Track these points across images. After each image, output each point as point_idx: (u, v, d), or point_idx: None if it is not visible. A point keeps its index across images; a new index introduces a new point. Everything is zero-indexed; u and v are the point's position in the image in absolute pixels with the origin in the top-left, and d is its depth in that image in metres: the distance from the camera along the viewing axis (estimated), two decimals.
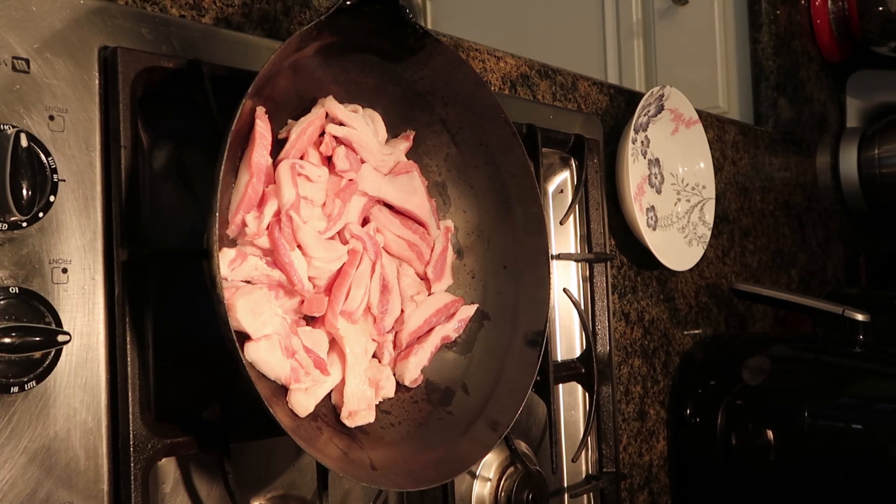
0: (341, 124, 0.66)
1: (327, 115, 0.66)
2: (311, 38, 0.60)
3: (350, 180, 0.67)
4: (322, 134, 0.66)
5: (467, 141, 0.73)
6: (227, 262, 0.58)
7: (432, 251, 0.73)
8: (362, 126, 0.68)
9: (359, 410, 0.64)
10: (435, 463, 0.64)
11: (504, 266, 0.75)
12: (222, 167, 0.52)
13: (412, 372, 0.69)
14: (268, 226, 0.60)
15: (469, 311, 0.73)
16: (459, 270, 0.76)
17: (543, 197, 0.97)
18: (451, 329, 0.72)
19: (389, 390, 0.68)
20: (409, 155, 0.73)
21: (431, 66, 0.69)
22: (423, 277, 0.73)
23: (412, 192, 0.71)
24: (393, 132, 0.72)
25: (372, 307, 0.67)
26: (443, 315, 0.72)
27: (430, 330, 0.71)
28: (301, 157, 0.65)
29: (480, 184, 0.75)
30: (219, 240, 0.53)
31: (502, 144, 0.72)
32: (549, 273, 0.72)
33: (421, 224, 0.72)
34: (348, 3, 0.60)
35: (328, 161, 0.66)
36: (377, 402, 0.67)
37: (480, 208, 0.75)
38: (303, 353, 0.61)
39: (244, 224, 0.59)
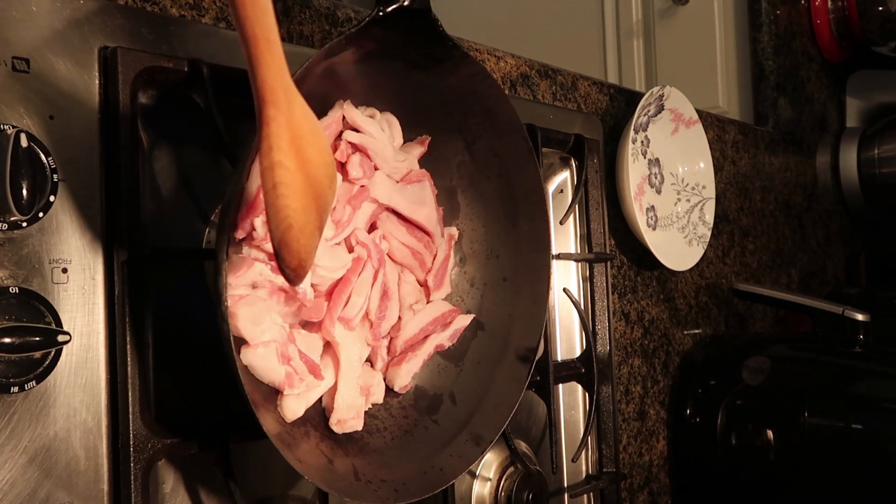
0: (358, 130, 0.66)
1: (344, 118, 0.66)
2: (340, 50, 0.60)
3: (362, 186, 0.67)
4: (338, 138, 0.66)
5: (483, 151, 0.73)
6: (234, 272, 0.58)
7: (434, 259, 0.73)
8: (378, 133, 0.67)
9: (348, 419, 0.64)
10: (418, 475, 0.64)
11: (504, 278, 0.74)
12: (243, 179, 0.52)
13: (403, 378, 0.69)
14: None
15: (465, 320, 0.73)
16: (459, 277, 0.76)
17: None
18: (445, 338, 0.72)
19: (379, 397, 0.68)
20: (423, 158, 0.73)
21: (456, 77, 0.68)
22: (423, 285, 0.73)
23: (422, 202, 0.71)
24: (409, 135, 0.72)
25: (370, 314, 0.67)
26: (439, 324, 0.72)
27: (425, 338, 0.71)
28: None
29: (490, 194, 0.74)
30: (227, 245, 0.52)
31: (517, 159, 0.72)
32: (547, 290, 0.72)
33: (427, 233, 0.72)
34: (381, 14, 0.60)
35: (342, 167, 0.66)
36: (366, 409, 0.67)
37: (488, 218, 0.75)
38: (298, 359, 0.61)
39: (252, 228, 0.59)
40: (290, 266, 0.49)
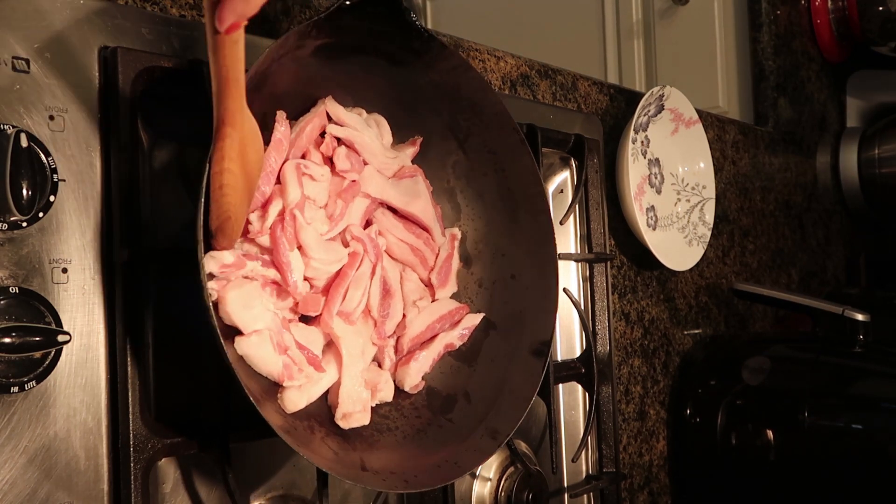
0: (342, 125, 0.66)
1: (328, 115, 0.66)
2: (309, 37, 0.60)
3: (352, 181, 0.67)
4: (323, 134, 0.66)
5: (475, 148, 0.73)
6: (219, 266, 0.58)
7: (437, 257, 0.73)
8: (363, 127, 0.67)
9: (353, 413, 0.64)
10: (431, 468, 0.64)
11: (511, 275, 0.74)
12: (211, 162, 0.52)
13: (412, 378, 0.69)
14: (271, 224, 0.60)
15: (475, 319, 0.73)
16: (467, 279, 0.75)
17: None
18: (455, 336, 0.71)
19: (387, 394, 0.68)
20: (416, 161, 0.72)
21: (437, 71, 0.68)
22: (427, 283, 0.73)
23: (416, 195, 0.71)
24: (400, 137, 0.72)
25: (372, 310, 0.67)
26: (447, 322, 0.71)
27: (434, 336, 0.71)
28: (303, 156, 0.65)
29: (489, 192, 0.74)
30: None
31: (511, 152, 0.72)
32: (556, 283, 0.72)
33: (425, 229, 0.72)
34: (348, 2, 0.60)
35: (329, 161, 0.66)
36: (374, 405, 0.67)
37: (489, 216, 0.75)
38: (295, 349, 0.61)
39: (248, 222, 0.59)
40: (221, 247, 0.58)
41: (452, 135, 0.73)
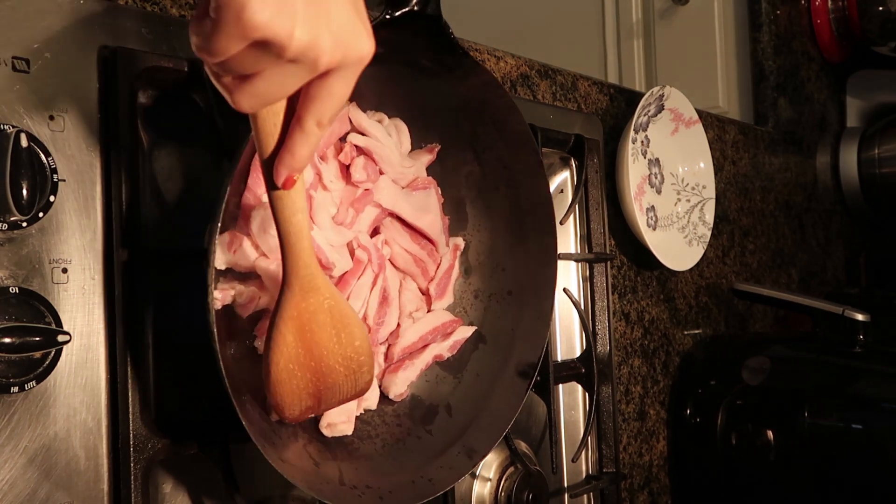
0: (363, 134, 0.66)
1: (351, 121, 0.66)
2: None
3: (366, 190, 0.66)
4: (343, 139, 0.66)
5: (491, 162, 0.73)
6: (225, 247, 0.58)
7: (438, 268, 0.73)
8: (384, 137, 0.67)
9: (338, 423, 0.64)
10: (405, 485, 0.64)
11: (509, 291, 0.74)
12: (236, 169, 0.53)
13: (398, 386, 0.69)
14: None
15: (466, 332, 0.73)
16: (464, 288, 0.75)
17: None
18: (445, 348, 0.72)
19: (372, 402, 0.68)
20: (431, 167, 0.72)
21: (466, 86, 0.68)
22: (425, 293, 0.73)
23: (426, 209, 0.70)
24: (418, 144, 0.72)
25: (368, 319, 0.67)
26: (439, 333, 0.71)
27: (424, 347, 0.71)
28: (321, 156, 0.65)
29: (499, 206, 0.74)
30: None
31: (526, 171, 0.72)
32: (552, 306, 0.72)
33: (430, 241, 0.72)
34: (388, 17, 0.60)
35: (345, 169, 0.66)
36: (358, 414, 0.67)
37: (495, 230, 0.75)
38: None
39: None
40: (270, 404, 0.58)
41: (470, 146, 0.72)
